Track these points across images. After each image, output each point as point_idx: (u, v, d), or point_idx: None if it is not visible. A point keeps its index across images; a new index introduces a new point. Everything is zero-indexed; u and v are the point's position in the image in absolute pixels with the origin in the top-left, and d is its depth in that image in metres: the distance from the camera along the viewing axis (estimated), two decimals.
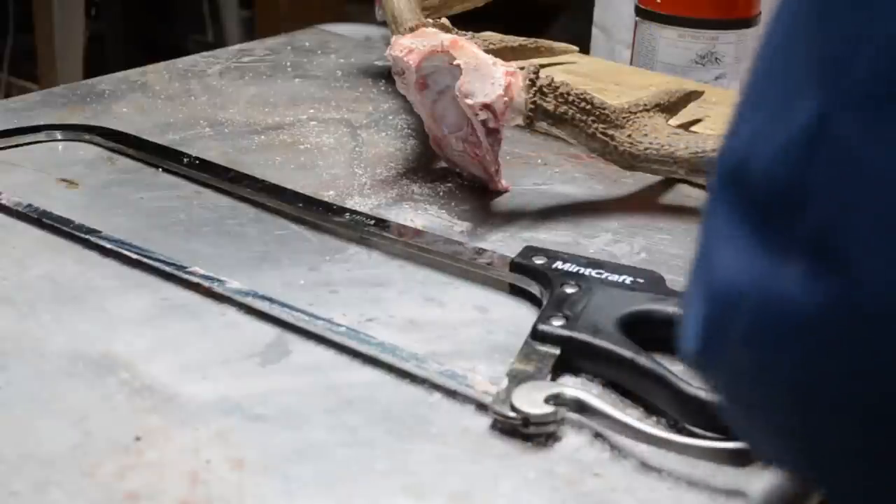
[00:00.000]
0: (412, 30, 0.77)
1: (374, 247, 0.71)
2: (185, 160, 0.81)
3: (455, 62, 0.72)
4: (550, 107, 0.72)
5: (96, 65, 2.05)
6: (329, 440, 0.52)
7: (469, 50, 0.73)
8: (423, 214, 0.75)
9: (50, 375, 0.56)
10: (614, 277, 0.61)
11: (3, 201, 0.73)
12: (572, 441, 0.52)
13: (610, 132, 0.73)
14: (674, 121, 0.80)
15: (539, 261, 0.64)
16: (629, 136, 0.74)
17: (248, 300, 0.62)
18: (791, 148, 0.30)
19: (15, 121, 0.88)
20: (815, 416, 0.32)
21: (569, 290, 0.60)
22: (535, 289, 0.64)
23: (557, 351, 0.56)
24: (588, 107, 0.73)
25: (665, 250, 0.71)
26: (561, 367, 0.56)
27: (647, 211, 0.77)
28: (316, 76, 1.04)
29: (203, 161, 0.81)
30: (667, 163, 0.74)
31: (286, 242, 0.71)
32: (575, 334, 0.57)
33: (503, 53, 0.88)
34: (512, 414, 0.52)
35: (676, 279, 0.62)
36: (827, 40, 0.30)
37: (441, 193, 0.78)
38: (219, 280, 0.64)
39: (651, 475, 0.50)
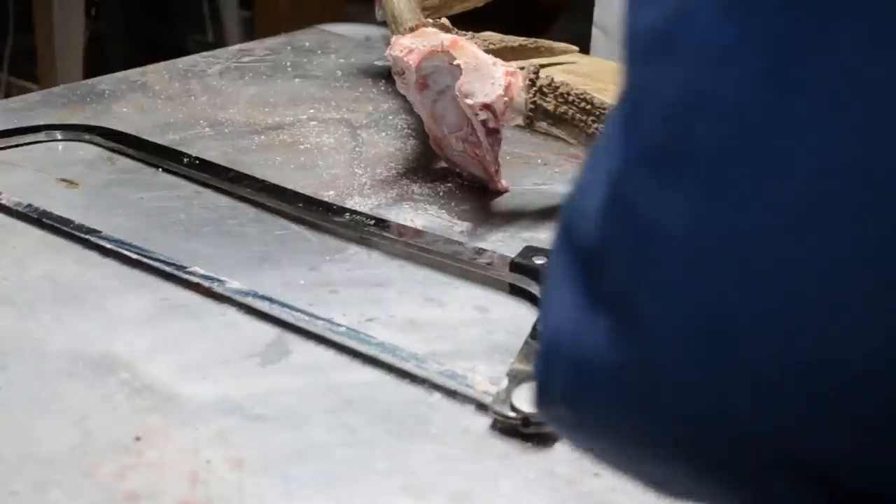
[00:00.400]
0: (412, 30, 0.77)
1: (374, 247, 0.71)
2: (185, 160, 0.81)
3: (455, 62, 0.72)
4: (550, 107, 0.72)
5: (96, 65, 2.04)
6: (329, 440, 0.52)
7: (469, 50, 0.73)
8: (423, 214, 0.75)
9: (50, 375, 0.56)
10: None
11: (3, 201, 0.73)
12: None
13: None
14: None
15: (539, 261, 0.64)
16: None
17: (248, 300, 0.62)
18: (597, 204, 0.30)
19: (15, 121, 0.88)
20: (633, 465, 0.33)
21: None
22: (535, 289, 0.64)
23: None
24: (588, 107, 0.73)
25: None
26: None
27: None
28: (316, 76, 1.04)
29: (203, 161, 0.81)
30: None
31: (286, 242, 0.71)
32: None
33: (503, 53, 0.88)
34: (512, 414, 0.52)
35: None
36: (628, 94, 0.30)
37: (441, 193, 0.78)
38: (219, 280, 0.64)
39: None
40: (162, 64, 1.05)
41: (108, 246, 0.68)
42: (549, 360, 0.33)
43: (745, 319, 0.27)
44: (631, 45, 0.30)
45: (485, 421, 0.53)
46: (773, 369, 0.27)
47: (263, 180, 0.78)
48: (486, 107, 0.71)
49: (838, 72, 0.26)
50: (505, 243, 0.71)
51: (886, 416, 0.27)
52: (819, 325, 0.26)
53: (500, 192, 0.79)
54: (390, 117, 0.93)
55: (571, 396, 0.32)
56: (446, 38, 0.74)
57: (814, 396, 0.27)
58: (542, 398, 0.34)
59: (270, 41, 1.15)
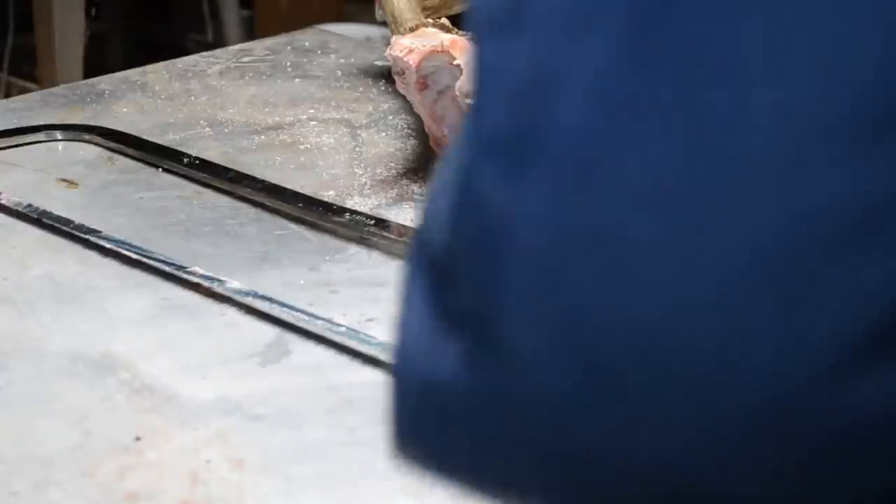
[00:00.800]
0: (412, 30, 0.77)
1: (374, 247, 0.71)
2: (185, 160, 0.81)
3: (455, 62, 0.72)
4: None
5: (96, 65, 2.04)
6: (329, 440, 0.52)
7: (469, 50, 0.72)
8: None
9: (50, 375, 0.56)
10: None
11: (3, 201, 0.73)
12: None
13: None
14: None
15: None
16: None
17: (248, 300, 0.62)
18: (448, 205, 0.26)
19: (15, 121, 0.88)
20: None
21: None
22: None
23: None
24: None
25: None
26: None
27: None
28: (316, 76, 1.04)
29: (203, 161, 0.80)
30: None
31: (286, 242, 0.71)
32: None
33: None
34: None
35: None
36: (474, 77, 0.26)
37: None
38: (219, 280, 0.64)
39: None
40: (162, 64, 1.05)
41: (108, 246, 0.68)
42: (397, 392, 0.29)
43: (618, 334, 0.23)
44: (475, 20, 0.26)
45: None
46: (656, 394, 0.23)
47: (263, 180, 0.78)
48: None
49: (710, 34, 0.22)
50: None
51: (781, 450, 0.23)
52: (705, 340, 0.22)
53: None
54: (390, 117, 0.93)
55: (423, 433, 0.28)
56: (446, 38, 0.74)
57: (704, 428, 0.23)
58: (393, 434, 0.30)
59: (270, 41, 1.15)
